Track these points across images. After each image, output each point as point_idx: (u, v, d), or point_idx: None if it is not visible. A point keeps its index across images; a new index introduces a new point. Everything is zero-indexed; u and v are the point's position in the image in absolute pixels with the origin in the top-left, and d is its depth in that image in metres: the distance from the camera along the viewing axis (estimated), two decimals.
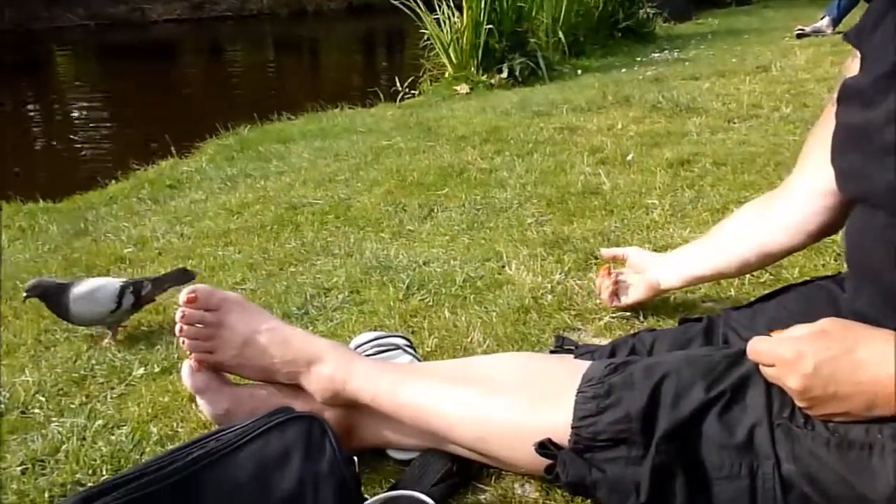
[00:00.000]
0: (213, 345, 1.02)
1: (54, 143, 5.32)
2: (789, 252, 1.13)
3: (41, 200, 2.72)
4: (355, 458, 0.88)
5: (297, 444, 0.84)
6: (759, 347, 0.76)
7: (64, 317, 1.51)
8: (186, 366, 1.02)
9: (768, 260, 1.15)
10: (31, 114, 6.42)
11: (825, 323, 0.73)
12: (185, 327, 1.02)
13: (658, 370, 0.81)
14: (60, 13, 10.72)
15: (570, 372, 0.89)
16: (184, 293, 1.03)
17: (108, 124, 5.65)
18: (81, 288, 1.49)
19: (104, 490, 0.78)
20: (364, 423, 1.01)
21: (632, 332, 1.21)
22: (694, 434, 0.78)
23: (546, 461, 0.86)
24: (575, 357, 1.01)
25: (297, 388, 1.03)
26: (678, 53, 5.28)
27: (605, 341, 1.23)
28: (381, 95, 4.49)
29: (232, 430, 0.87)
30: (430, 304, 1.55)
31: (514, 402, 0.88)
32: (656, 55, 5.28)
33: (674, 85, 3.80)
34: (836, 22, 5.35)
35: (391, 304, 1.56)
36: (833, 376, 0.69)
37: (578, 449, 0.83)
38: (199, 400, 1.03)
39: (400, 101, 4.50)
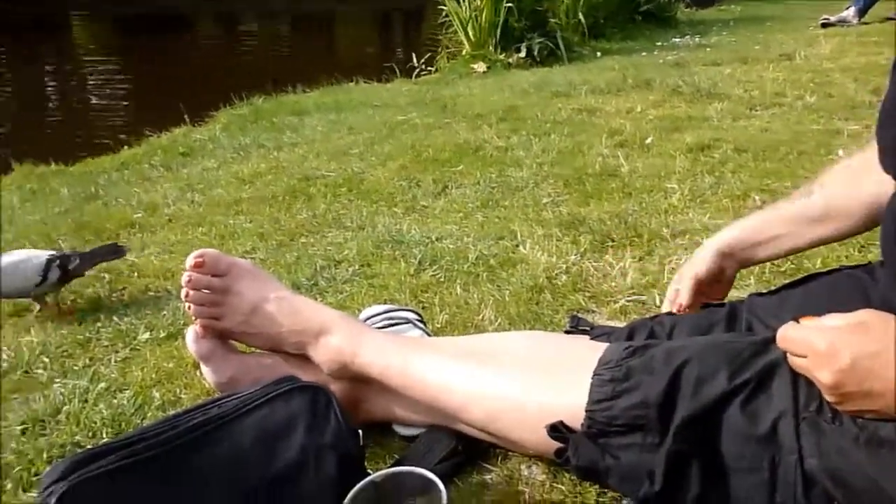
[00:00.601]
0: (219, 311, 0.99)
1: (69, 106, 5.31)
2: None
3: (53, 163, 2.70)
4: (360, 431, 0.85)
5: (302, 414, 0.82)
6: (791, 335, 0.72)
7: None
8: (191, 331, 1.00)
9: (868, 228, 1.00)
10: (46, 76, 6.40)
11: (864, 315, 0.69)
12: (191, 292, 0.99)
13: (679, 355, 0.78)
14: None
15: (586, 353, 0.85)
16: (191, 257, 1.00)
17: (122, 90, 5.63)
18: (5, 260, 1.44)
19: (100, 453, 0.76)
20: (371, 397, 0.98)
21: (648, 315, 1.17)
22: (714, 423, 0.74)
23: (557, 444, 0.83)
24: (591, 338, 0.98)
25: (304, 359, 1.00)
26: (700, 39, 5.20)
27: (620, 324, 1.20)
28: (398, 71, 4.45)
29: (235, 397, 0.84)
30: (442, 280, 1.52)
31: (528, 382, 0.85)
32: (677, 40, 5.20)
33: (695, 70, 3.73)
34: (861, 13, 5.25)
35: (402, 278, 1.53)
36: (871, 372, 0.65)
37: (591, 433, 0.80)
38: (203, 367, 1.01)
39: (416, 77, 4.45)
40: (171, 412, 1.01)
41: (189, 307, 1.00)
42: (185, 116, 3.15)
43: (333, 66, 4.89)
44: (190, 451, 0.78)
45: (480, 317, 1.33)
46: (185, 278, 0.99)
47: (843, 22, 5.25)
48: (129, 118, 4.50)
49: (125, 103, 5.24)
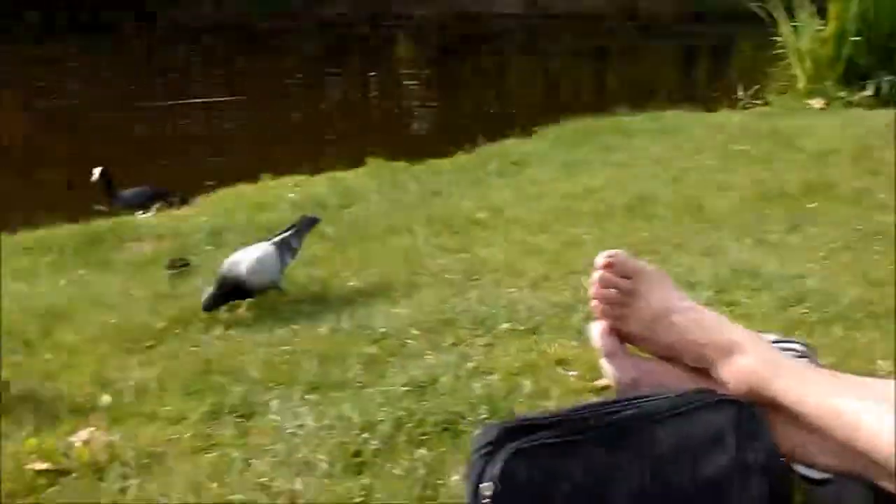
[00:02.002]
0: (624, 312, 0.98)
1: (397, 112, 5.85)
2: None
3: (402, 160, 2.96)
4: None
5: (728, 428, 0.78)
6: None
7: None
8: (599, 326, 1.00)
9: None
10: (373, 90, 7.08)
11: None
12: (601, 291, 1.00)
13: None
14: (409, 7, 11.72)
15: None
16: (601, 256, 1.00)
17: (449, 102, 6.08)
18: (248, 258, 1.56)
19: (528, 427, 0.79)
20: (777, 428, 0.91)
21: None
22: None
23: None
24: None
25: (700, 373, 0.96)
26: None
27: None
28: (722, 101, 4.27)
29: (651, 399, 0.83)
30: (814, 320, 1.40)
31: None
32: None
33: None
34: None
35: (767, 311, 1.43)
36: None
37: None
38: (606, 364, 1.00)
39: (742, 108, 4.23)
40: (582, 402, 1.03)
41: (596, 304, 1.01)
42: (518, 128, 3.28)
43: (648, 92, 4.84)
44: (615, 440, 0.77)
45: (875, 366, 1.20)
46: (595, 276, 1.00)
47: None
48: (456, 127, 4.82)
49: (449, 114, 5.62)
